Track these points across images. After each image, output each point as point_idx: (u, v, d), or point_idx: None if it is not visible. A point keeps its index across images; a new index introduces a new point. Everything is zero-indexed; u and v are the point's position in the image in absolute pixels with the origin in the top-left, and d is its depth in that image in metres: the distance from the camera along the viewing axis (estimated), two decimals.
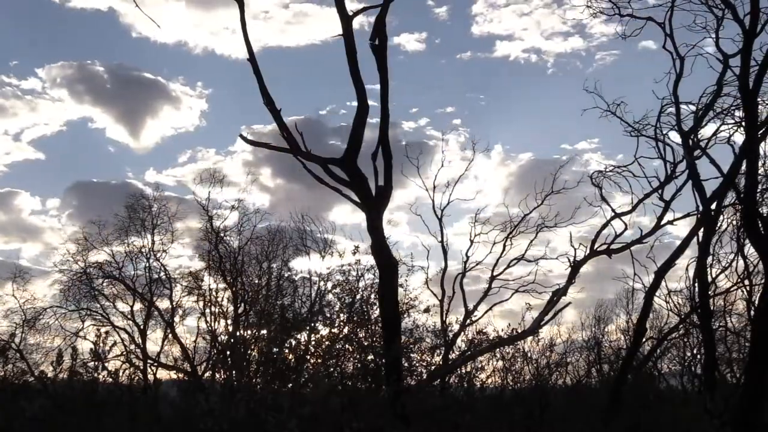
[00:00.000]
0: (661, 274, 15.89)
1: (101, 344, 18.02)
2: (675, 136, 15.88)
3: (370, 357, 12.48)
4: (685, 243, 15.52)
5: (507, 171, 41.03)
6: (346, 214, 36.61)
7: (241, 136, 11.08)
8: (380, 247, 10.95)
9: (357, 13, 10.76)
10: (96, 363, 17.21)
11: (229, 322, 20.31)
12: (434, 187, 18.12)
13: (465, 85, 51.58)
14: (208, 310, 21.47)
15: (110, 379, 17.90)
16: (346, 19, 10.63)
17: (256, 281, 21.16)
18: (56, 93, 45.72)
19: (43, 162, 44.77)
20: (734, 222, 17.20)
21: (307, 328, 12.68)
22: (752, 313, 17.08)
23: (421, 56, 47.96)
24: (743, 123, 13.59)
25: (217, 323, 21.05)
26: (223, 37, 44.03)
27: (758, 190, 13.77)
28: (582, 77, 48.30)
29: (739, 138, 14.54)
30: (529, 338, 17.43)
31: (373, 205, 10.88)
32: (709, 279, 16.63)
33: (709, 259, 16.35)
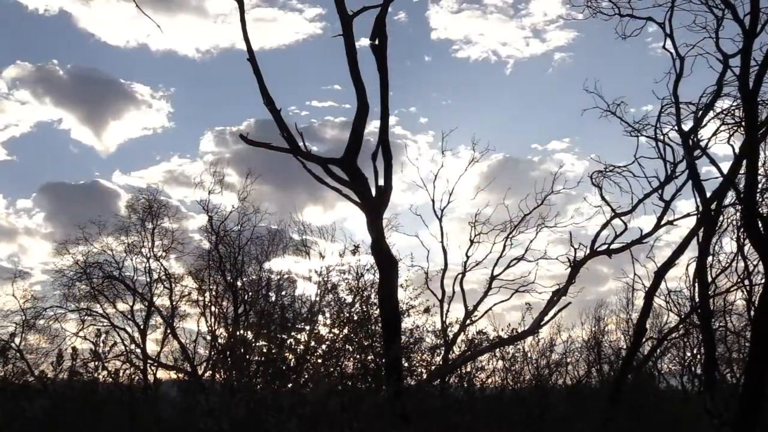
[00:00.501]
0: (661, 274, 15.88)
1: (101, 344, 18.07)
2: (675, 136, 15.89)
3: (370, 357, 12.49)
4: (685, 243, 15.52)
5: (478, 170, 41.20)
6: (318, 215, 36.92)
7: (241, 136, 11.05)
8: (380, 247, 10.95)
9: (357, 13, 10.76)
10: (96, 363, 17.23)
11: (229, 322, 20.33)
12: (434, 187, 18.12)
13: (428, 86, 51.66)
14: (208, 310, 21.52)
15: (110, 379, 17.91)
16: (346, 19, 10.63)
17: (256, 280, 21.18)
18: (20, 95, 45.65)
19: (11, 163, 44.81)
20: (734, 222, 17.22)
21: (307, 328, 12.68)
22: (752, 313, 17.08)
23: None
24: (743, 123, 13.59)
25: (217, 323, 21.09)
26: (183, 39, 44.22)
27: (758, 190, 13.77)
28: (541, 79, 49.10)
29: (739, 138, 14.56)
30: (529, 338, 17.43)
31: (373, 205, 10.88)
32: (709, 279, 16.63)
33: (709, 259, 16.36)
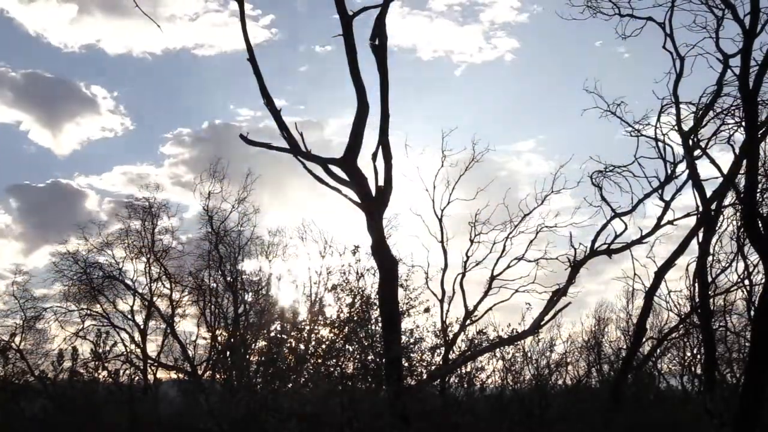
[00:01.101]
0: (661, 274, 15.88)
1: (101, 344, 18.09)
2: (675, 136, 15.88)
3: (370, 357, 12.49)
4: (685, 243, 15.51)
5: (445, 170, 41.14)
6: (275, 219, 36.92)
7: (242, 136, 11.05)
8: (380, 247, 10.95)
9: (357, 13, 10.76)
10: (96, 363, 17.25)
11: (229, 322, 20.35)
12: (434, 187, 18.11)
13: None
14: (208, 310, 21.53)
15: (110, 379, 17.93)
16: (346, 19, 10.63)
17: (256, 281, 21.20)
18: None
19: None
20: (734, 222, 17.22)
21: (307, 328, 12.69)
22: (752, 313, 17.08)
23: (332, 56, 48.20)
24: (743, 123, 13.59)
25: (217, 323, 21.11)
26: (136, 41, 44.26)
27: (758, 190, 13.76)
28: (494, 80, 49.11)
29: (739, 138, 14.55)
30: (529, 338, 17.42)
31: (373, 205, 10.88)
32: (709, 279, 16.62)
33: (709, 259, 16.35)
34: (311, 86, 50.30)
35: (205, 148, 40.03)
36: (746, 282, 17.85)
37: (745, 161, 12.94)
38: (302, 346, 12.45)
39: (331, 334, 12.53)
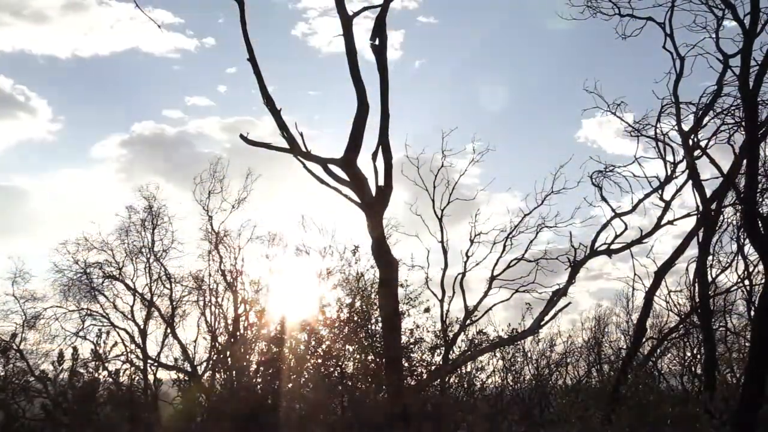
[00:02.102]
0: (661, 274, 15.87)
1: (101, 344, 18.08)
2: (675, 136, 15.88)
3: (370, 357, 12.50)
4: (685, 243, 15.51)
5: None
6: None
7: (241, 136, 11.04)
8: (380, 247, 10.95)
9: (357, 13, 10.76)
10: (96, 363, 17.25)
11: (229, 322, 20.33)
12: (434, 187, 18.10)
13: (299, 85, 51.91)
14: (208, 310, 21.51)
15: (110, 379, 17.93)
16: (346, 19, 10.62)
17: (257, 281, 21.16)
18: None
19: None
20: (734, 222, 17.21)
21: (308, 328, 12.70)
22: (752, 313, 17.08)
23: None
24: (743, 123, 13.58)
25: (217, 323, 21.09)
26: (62, 44, 44.22)
27: (758, 190, 13.75)
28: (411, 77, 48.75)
29: (739, 138, 14.55)
30: (529, 338, 17.44)
31: (373, 205, 10.88)
32: (709, 279, 16.62)
33: (709, 259, 16.34)
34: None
35: (137, 150, 40.30)
36: (746, 282, 17.86)
37: (745, 161, 12.93)
38: (302, 346, 12.46)
39: (331, 334, 12.55)
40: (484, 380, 16.89)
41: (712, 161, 15.32)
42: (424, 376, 13.40)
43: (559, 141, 45.77)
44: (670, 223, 16.25)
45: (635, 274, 17.19)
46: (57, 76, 50.03)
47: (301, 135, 10.81)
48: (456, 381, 15.53)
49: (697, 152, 15.45)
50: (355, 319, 13.07)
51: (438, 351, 15.18)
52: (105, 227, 23.10)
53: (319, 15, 46.29)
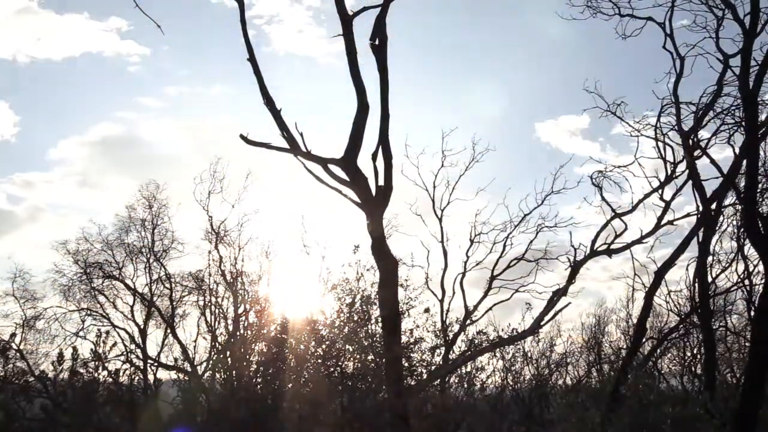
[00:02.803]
0: (661, 274, 15.87)
1: (101, 344, 18.08)
2: (675, 136, 15.88)
3: (370, 357, 12.50)
4: (685, 243, 15.50)
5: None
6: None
7: (241, 136, 11.02)
8: (380, 247, 10.94)
9: (357, 13, 10.74)
10: (96, 363, 17.25)
11: (229, 322, 20.33)
12: (434, 187, 18.13)
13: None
14: (208, 310, 21.51)
15: (110, 379, 17.93)
16: (346, 19, 10.62)
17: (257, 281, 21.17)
18: None
19: None
20: (734, 222, 17.22)
21: (308, 328, 12.69)
22: (752, 313, 17.08)
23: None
24: (743, 123, 13.58)
25: (217, 323, 21.09)
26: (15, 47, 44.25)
27: (758, 190, 13.75)
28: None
29: (739, 138, 14.55)
30: (529, 338, 17.45)
31: (374, 205, 10.87)
32: (709, 279, 16.62)
33: (709, 259, 16.35)
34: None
35: (96, 152, 40.50)
36: (746, 282, 17.86)
37: (745, 161, 12.93)
38: (302, 346, 12.46)
39: (331, 334, 12.55)
40: (484, 380, 16.91)
41: (712, 161, 15.34)
42: (424, 376, 13.40)
43: (518, 142, 46.05)
44: (670, 223, 16.25)
45: (635, 274, 17.23)
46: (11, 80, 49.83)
47: (301, 135, 10.80)
48: (456, 381, 15.53)
49: (697, 152, 15.45)
50: (355, 319, 13.07)
51: (438, 351, 15.20)
52: (105, 227, 23.15)
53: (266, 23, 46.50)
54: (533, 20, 50.39)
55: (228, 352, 16.61)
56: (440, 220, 18.38)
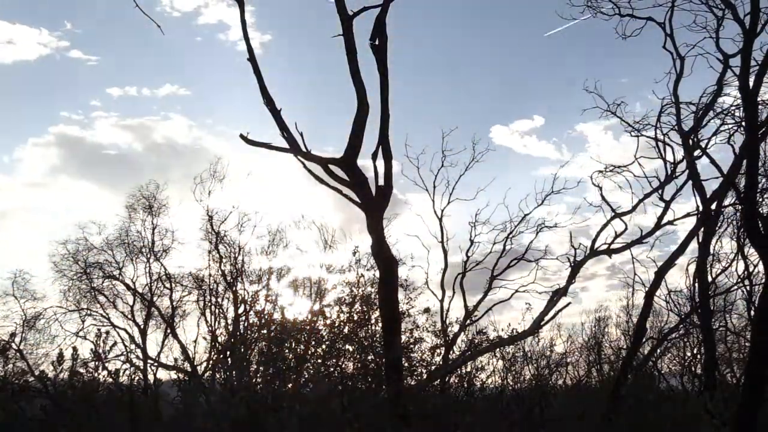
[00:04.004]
0: (661, 274, 15.88)
1: (101, 344, 18.09)
2: (675, 136, 15.89)
3: (370, 357, 12.51)
4: (685, 243, 15.51)
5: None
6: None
7: (241, 136, 11.03)
8: (380, 247, 10.94)
9: (357, 13, 10.74)
10: (96, 363, 17.25)
11: (229, 322, 20.33)
12: (434, 187, 18.15)
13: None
14: (208, 310, 21.52)
15: (110, 379, 17.93)
16: (346, 19, 10.62)
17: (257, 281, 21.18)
18: None
19: None
20: (734, 222, 17.21)
21: (307, 328, 12.69)
22: (752, 313, 17.08)
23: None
24: (743, 123, 13.59)
25: (217, 323, 21.09)
26: None
27: (758, 190, 13.75)
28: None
29: (739, 138, 14.55)
30: (529, 338, 17.45)
31: (373, 205, 10.87)
32: (709, 279, 16.62)
33: (709, 259, 16.34)
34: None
35: (53, 154, 40.76)
36: (746, 282, 17.85)
37: (745, 161, 12.93)
38: (302, 346, 12.45)
39: (331, 334, 12.55)
40: (484, 380, 16.91)
41: (712, 161, 15.34)
42: (424, 376, 13.40)
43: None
44: (670, 223, 16.27)
45: (635, 274, 17.23)
46: None
47: (301, 135, 10.81)
48: (456, 381, 15.53)
49: (697, 152, 15.46)
50: (355, 319, 13.07)
51: (438, 351, 15.20)
52: (105, 227, 23.15)
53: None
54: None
55: (228, 352, 16.59)
56: (440, 220, 18.41)
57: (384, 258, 10.91)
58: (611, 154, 45.35)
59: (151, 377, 21.47)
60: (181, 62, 50.21)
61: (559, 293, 15.55)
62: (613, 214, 16.32)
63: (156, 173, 43.86)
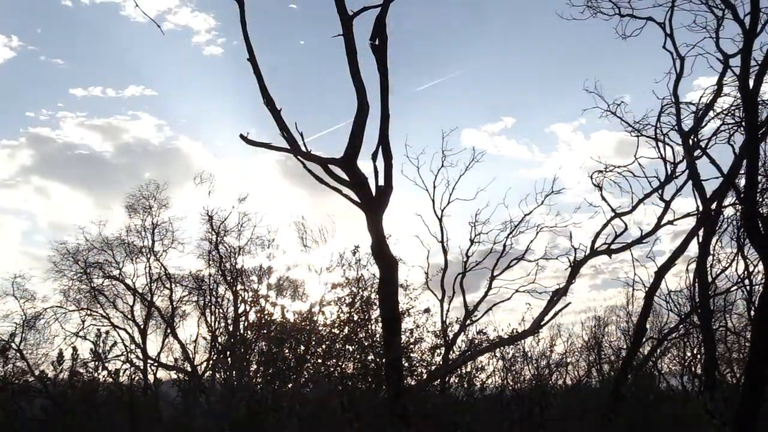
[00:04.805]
0: (661, 274, 15.88)
1: (101, 344, 18.09)
2: (675, 136, 15.89)
3: (370, 357, 12.50)
4: (685, 243, 15.51)
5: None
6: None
7: (241, 136, 11.03)
8: (380, 247, 10.94)
9: (357, 13, 10.75)
10: (96, 363, 17.25)
11: (229, 322, 20.34)
12: (434, 187, 18.13)
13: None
14: (208, 310, 21.53)
15: (110, 379, 17.93)
16: (346, 19, 10.62)
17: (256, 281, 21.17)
18: None
19: None
20: (734, 222, 17.21)
21: (307, 328, 12.68)
22: (752, 313, 17.07)
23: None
24: (743, 123, 13.59)
25: (217, 323, 21.11)
26: None
27: (758, 190, 13.75)
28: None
29: (739, 138, 14.56)
30: (529, 338, 17.43)
31: (373, 205, 10.88)
32: (709, 279, 16.62)
33: (709, 259, 16.35)
34: None
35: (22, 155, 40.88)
36: (746, 282, 17.85)
37: (745, 161, 12.94)
38: (302, 347, 12.45)
39: (331, 334, 12.54)
40: (484, 380, 16.89)
41: (712, 161, 15.34)
42: (424, 376, 13.40)
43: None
44: (670, 223, 16.26)
45: (635, 274, 17.23)
46: None
47: (301, 135, 10.82)
48: (456, 381, 15.51)
49: (697, 152, 15.46)
50: (355, 319, 13.06)
51: (438, 351, 15.19)
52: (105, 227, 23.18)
53: None
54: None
55: (228, 352, 16.59)
56: (440, 220, 18.39)
57: (384, 258, 10.91)
58: (586, 152, 45.21)
59: (151, 377, 21.50)
60: (149, 65, 50.28)
61: (559, 293, 15.54)
62: (613, 214, 16.32)
63: (128, 173, 43.92)
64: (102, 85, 53.73)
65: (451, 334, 16.78)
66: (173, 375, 20.56)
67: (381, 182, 10.98)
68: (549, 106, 53.00)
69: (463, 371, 14.74)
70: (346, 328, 12.69)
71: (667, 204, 15.99)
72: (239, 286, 21.02)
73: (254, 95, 10.55)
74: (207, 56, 48.70)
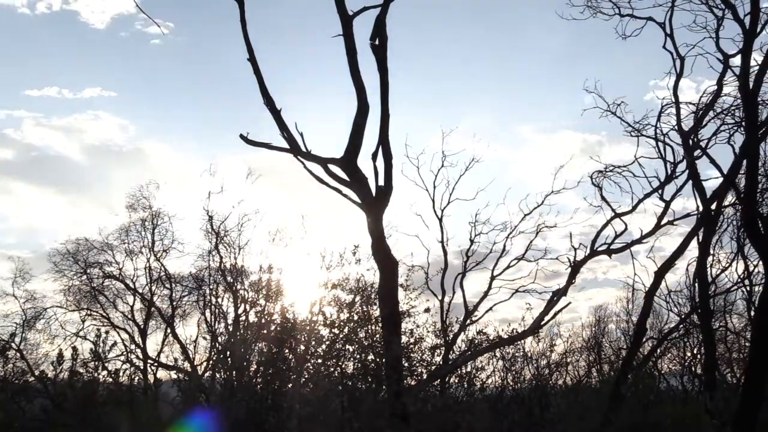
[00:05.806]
0: (661, 274, 15.88)
1: (101, 344, 18.08)
2: (675, 136, 15.89)
3: (370, 357, 12.49)
4: (685, 243, 15.52)
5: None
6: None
7: (241, 136, 11.03)
8: (380, 247, 10.95)
9: (357, 13, 10.76)
10: (96, 363, 17.24)
11: (229, 322, 20.33)
12: (434, 187, 18.12)
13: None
14: (208, 311, 21.52)
15: (110, 379, 17.93)
16: (346, 19, 10.63)
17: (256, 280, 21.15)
18: None
19: None
20: (734, 222, 17.22)
21: (308, 328, 12.68)
22: (752, 313, 17.09)
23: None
24: (743, 123, 13.59)
25: (217, 323, 21.09)
26: None
27: (758, 190, 13.76)
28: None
29: (739, 138, 14.56)
30: (529, 338, 17.42)
31: (373, 205, 10.88)
32: (709, 279, 16.63)
33: (709, 259, 16.35)
34: None
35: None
36: (746, 282, 17.87)
37: (745, 161, 12.94)
38: (302, 346, 12.44)
39: (331, 334, 12.53)
40: (484, 380, 16.88)
41: (712, 161, 15.35)
42: (424, 376, 13.39)
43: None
44: (670, 223, 16.25)
45: (635, 274, 17.23)
46: None
47: (301, 135, 10.82)
48: (456, 381, 15.50)
49: (697, 152, 15.46)
50: (355, 319, 13.06)
51: (438, 351, 15.18)
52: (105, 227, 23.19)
53: None
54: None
55: (228, 352, 16.59)
56: (440, 220, 18.37)
57: (384, 258, 10.91)
58: (553, 152, 45.01)
59: (151, 377, 21.50)
60: (109, 66, 50.06)
61: (559, 293, 15.53)
62: (613, 214, 16.32)
63: (95, 173, 43.84)
64: (58, 85, 52.90)
65: (451, 334, 16.78)
66: (173, 375, 20.57)
67: (381, 182, 10.99)
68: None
69: (463, 371, 14.72)
70: (346, 328, 12.68)
71: (667, 204, 15.99)
72: (239, 286, 21.01)
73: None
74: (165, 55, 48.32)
